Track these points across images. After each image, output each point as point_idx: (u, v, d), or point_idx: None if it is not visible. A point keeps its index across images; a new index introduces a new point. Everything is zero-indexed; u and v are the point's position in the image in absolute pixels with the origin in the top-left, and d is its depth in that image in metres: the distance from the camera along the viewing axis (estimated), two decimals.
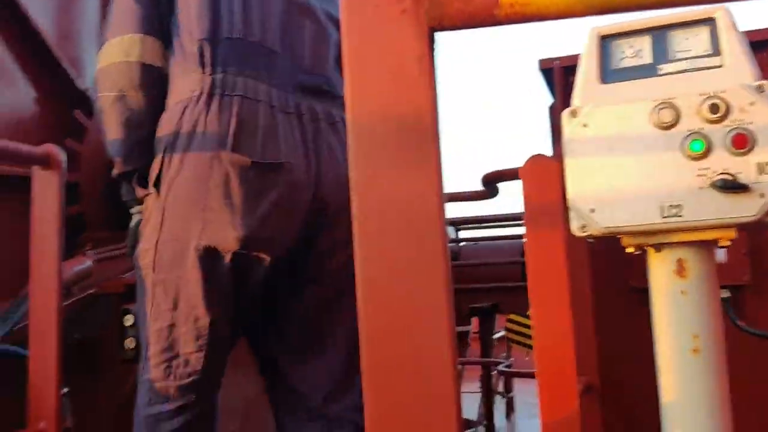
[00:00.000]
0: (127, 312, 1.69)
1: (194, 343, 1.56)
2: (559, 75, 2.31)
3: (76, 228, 2.32)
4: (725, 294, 1.90)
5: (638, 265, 1.96)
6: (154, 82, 1.62)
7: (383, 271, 0.54)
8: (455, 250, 3.79)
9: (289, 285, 1.77)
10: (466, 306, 3.45)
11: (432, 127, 0.54)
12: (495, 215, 3.52)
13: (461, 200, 3.25)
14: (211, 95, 1.58)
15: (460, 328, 5.69)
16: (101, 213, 2.43)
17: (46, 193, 1.56)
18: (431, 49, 0.56)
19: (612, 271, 1.95)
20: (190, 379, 1.54)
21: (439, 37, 0.57)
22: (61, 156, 1.65)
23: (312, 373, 1.73)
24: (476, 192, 2.93)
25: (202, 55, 1.60)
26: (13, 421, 1.59)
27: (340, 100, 1.72)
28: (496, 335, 6.06)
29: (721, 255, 1.87)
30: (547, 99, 2.56)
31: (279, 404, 1.78)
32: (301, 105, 1.69)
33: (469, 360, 5.24)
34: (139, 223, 1.67)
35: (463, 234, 4.62)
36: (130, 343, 1.68)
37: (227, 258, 1.58)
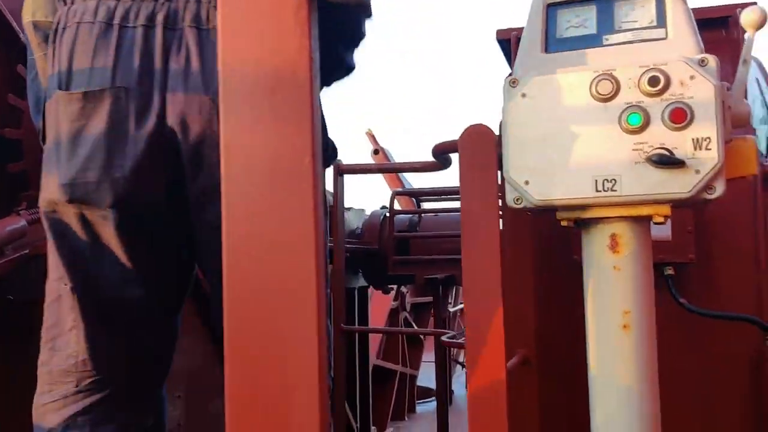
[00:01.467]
0: None
1: (69, 318, 1.41)
2: (516, 46, 2.27)
3: (16, 187, 2.25)
4: (669, 271, 1.90)
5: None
6: (46, 39, 1.51)
7: (251, 226, 0.51)
8: (414, 221, 3.78)
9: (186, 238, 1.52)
10: (422, 277, 3.46)
11: (307, 82, 0.50)
12: (455, 187, 3.50)
13: (411, 171, 3.23)
14: (56, 31, 1.45)
15: (422, 299, 5.72)
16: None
17: None
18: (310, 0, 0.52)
19: (558, 245, 1.93)
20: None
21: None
22: None
23: None
24: (428, 163, 2.90)
25: None
26: None
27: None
28: (459, 306, 6.10)
29: (666, 232, 1.87)
30: (506, 69, 2.52)
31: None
32: (140, 13, 1.40)
33: (418, 330, 5.28)
34: None
35: (428, 206, 4.61)
36: None
37: (60, 213, 1.41)
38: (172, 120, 1.37)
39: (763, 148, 3.59)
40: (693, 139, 1.13)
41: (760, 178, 1.92)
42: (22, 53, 2.48)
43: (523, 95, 1.22)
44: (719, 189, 1.13)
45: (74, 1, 1.44)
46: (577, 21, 1.32)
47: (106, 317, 1.43)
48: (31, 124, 2.26)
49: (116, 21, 1.39)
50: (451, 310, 5.36)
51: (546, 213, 1.28)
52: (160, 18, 1.39)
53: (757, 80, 3.49)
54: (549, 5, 1.36)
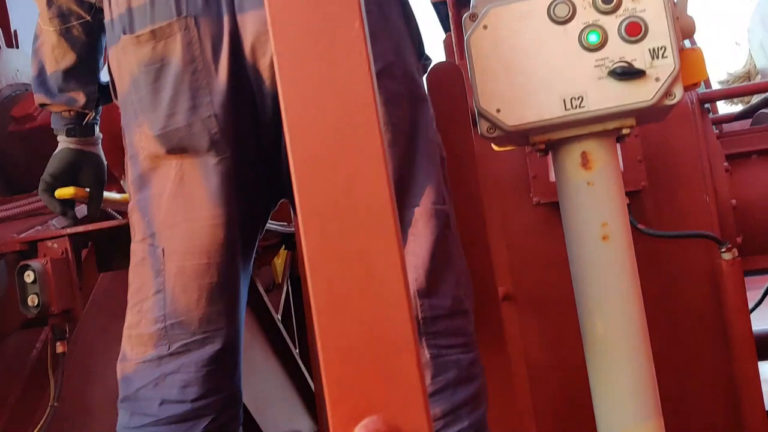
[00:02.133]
0: (27, 268, 1.58)
1: (155, 281, 1.31)
2: (453, 7, 2.32)
3: None
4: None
5: (540, 183, 2.03)
6: (62, 15, 1.41)
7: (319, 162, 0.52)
8: None
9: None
10: None
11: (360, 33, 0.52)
12: None
13: None
14: None
15: None
16: None
17: None
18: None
19: (516, 191, 2.00)
20: None
21: None
22: None
23: None
24: None
25: None
26: None
27: None
28: None
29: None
30: (441, 34, 2.57)
31: None
32: None
33: None
34: (65, 150, 1.53)
35: None
36: (32, 300, 1.58)
37: (162, 166, 1.29)
38: (247, 41, 1.25)
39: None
40: (650, 50, 1.20)
41: (697, 103, 2.03)
42: None
43: (485, 27, 1.26)
44: (678, 94, 1.21)
45: None
46: None
47: (193, 275, 1.29)
48: None
49: None
50: None
51: (505, 156, 1.33)
52: None
53: None
54: None
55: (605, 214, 1.29)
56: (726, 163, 2.13)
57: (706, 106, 2.18)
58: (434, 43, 2.47)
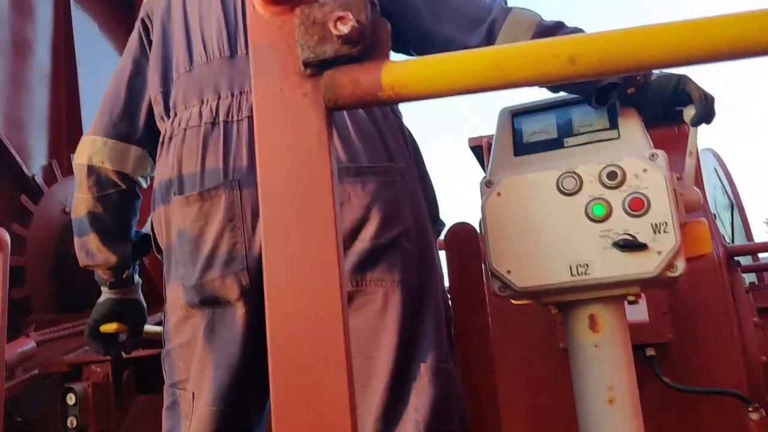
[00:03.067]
0: (69, 391, 1.69)
1: (184, 424, 1.39)
2: (487, 151, 2.46)
3: (21, 311, 2.33)
4: (651, 352, 2.00)
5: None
6: (101, 183, 1.60)
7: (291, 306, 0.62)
8: None
9: None
10: None
11: (329, 190, 0.64)
12: None
13: None
14: (162, 143, 1.49)
15: None
16: (45, 295, 2.45)
17: None
18: (328, 123, 0.67)
19: (545, 335, 2.04)
20: None
21: None
22: (6, 238, 1.69)
23: None
24: None
25: (164, 106, 1.52)
26: None
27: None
28: None
29: (643, 314, 1.99)
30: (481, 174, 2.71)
31: None
32: (242, 107, 1.40)
33: None
34: (108, 300, 1.69)
35: None
36: (71, 422, 1.68)
37: (193, 316, 1.40)
38: None
39: (728, 233, 3.78)
40: (652, 224, 1.27)
41: (724, 259, 2.07)
42: (23, 185, 2.62)
43: (498, 194, 1.37)
44: (680, 267, 1.27)
45: (177, 113, 1.47)
46: (540, 127, 1.50)
47: (214, 419, 1.36)
48: (34, 251, 2.37)
49: (221, 118, 1.40)
50: None
51: (532, 305, 1.40)
52: None
53: (716, 170, 3.72)
54: (514, 114, 1.54)
55: (612, 377, 1.32)
56: (756, 318, 2.13)
57: (736, 258, 2.22)
58: (473, 181, 2.59)
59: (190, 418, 1.36)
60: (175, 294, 1.42)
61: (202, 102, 1.43)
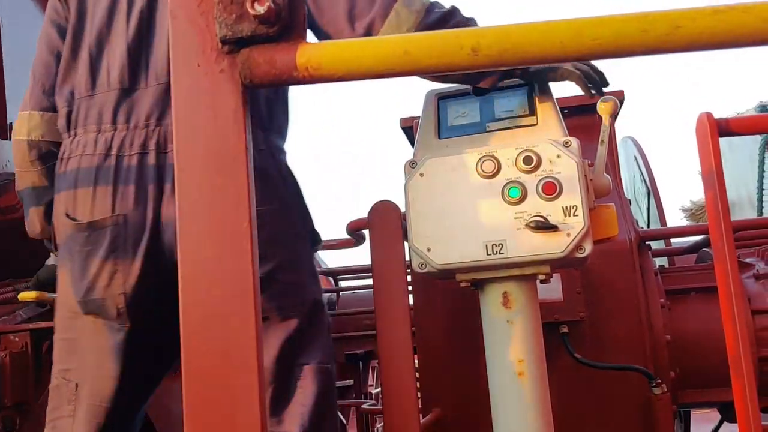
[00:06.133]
0: None
1: (67, 406, 1.58)
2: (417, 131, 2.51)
3: None
4: (564, 330, 2.10)
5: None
6: (42, 157, 1.67)
7: (203, 284, 0.65)
8: (332, 299, 3.90)
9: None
10: (342, 354, 3.55)
11: (244, 165, 0.66)
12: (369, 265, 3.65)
13: (328, 248, 3.39)
14: (61, 159, 1.60)
15: (343, 383, 5.72)
16: None
17: None
18: (245, 101, 0.69)
19: (468, 308, 2.10)
20: None
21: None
22: None
23: None
24: (343, 240, 3.08)
25: (66, 122, 1.61)
26: None
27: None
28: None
29: (558, 294, 2.08)
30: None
31: None
32: (134, 142, 1.52)
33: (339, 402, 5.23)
34: (54, 265, 1.77)
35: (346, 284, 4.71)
36: None
37: (78, 320, 1.57)
38: (166, 239, 1.50)
39: (644, 218, 3.95)
40: (563, 207, 1.34)
41: (635, 242, 2.18)
42: None
43: (421, 174, 1.41)
44: (588, 248, 1.34)
45: (77, 134, 1.57)
46: (464, 111, 1.55)
47: (96, 413, 1.55)
48: None
49: (114, 151, 1.52)
50: (373, 391, 5.42)
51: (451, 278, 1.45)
52: (152, 144, 1.50)
53: (635, 157, 3.88)
54: (439, 98, 1.58)
55: (522, 352, 1.39)
56: (663, 299, 2.26)
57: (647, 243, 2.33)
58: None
59: (74, 404, 1.53)
60: (66, 291, 1.56)
61: (99, 131, 1.54)
